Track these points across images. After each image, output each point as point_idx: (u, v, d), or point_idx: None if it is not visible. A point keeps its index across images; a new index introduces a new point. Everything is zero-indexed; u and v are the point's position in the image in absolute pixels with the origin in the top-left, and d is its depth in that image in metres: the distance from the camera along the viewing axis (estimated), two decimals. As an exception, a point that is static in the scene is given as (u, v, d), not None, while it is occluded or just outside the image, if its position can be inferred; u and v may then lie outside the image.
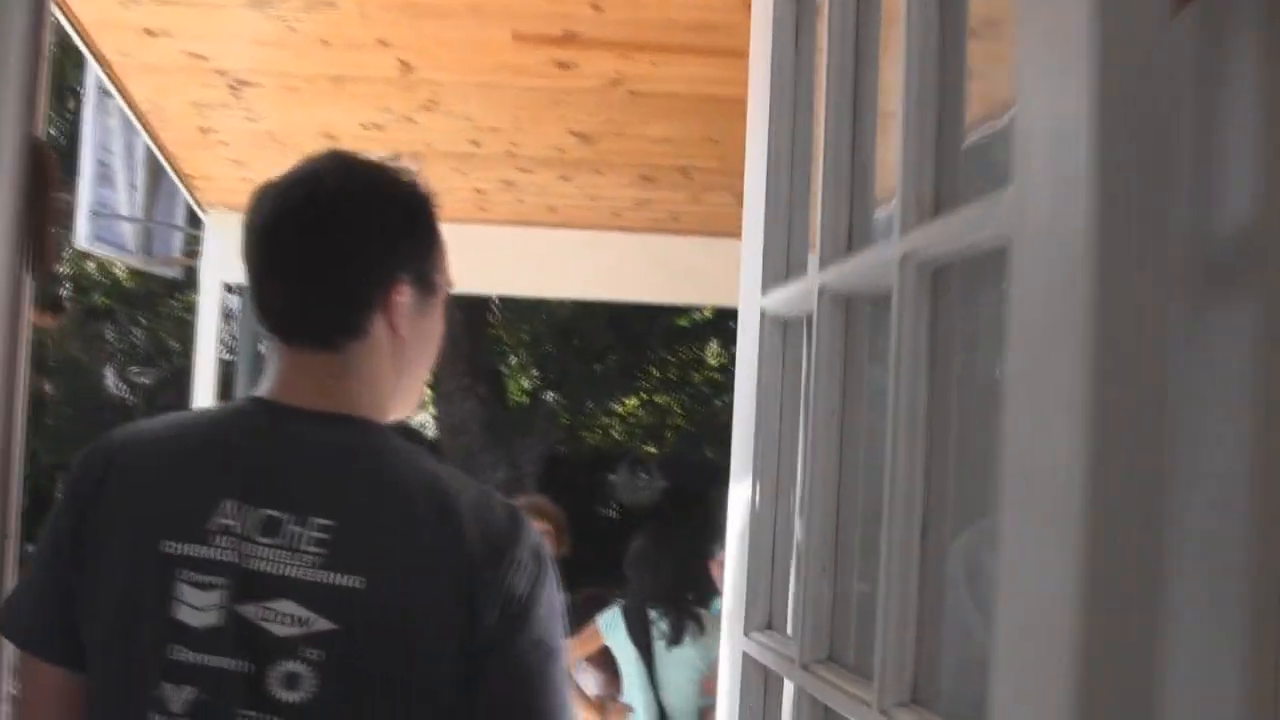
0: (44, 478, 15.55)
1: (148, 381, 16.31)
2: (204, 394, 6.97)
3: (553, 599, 1.71)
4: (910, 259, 1.56)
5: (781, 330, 2.25)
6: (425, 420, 18.39)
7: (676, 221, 6.50)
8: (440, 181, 1.91)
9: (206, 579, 1.67)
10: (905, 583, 1.54)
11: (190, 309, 15.30)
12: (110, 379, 16.27)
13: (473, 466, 14.77)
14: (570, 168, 5.79)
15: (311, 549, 1.65)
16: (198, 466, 1.75)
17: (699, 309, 17.31)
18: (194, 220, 8.05)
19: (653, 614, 5.58)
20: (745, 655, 2.28)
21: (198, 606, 1.66)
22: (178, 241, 9.90)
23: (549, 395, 16.55)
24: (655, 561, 5.69)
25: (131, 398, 15.29)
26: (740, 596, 2.31)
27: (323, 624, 1.63)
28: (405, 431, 2.14)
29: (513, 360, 17.43)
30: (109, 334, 16.52)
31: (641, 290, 7.47)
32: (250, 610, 1.65)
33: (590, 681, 6.05)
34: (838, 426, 1.91)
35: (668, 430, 19.32)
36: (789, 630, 2.17)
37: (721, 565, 3.05)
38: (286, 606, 1.64)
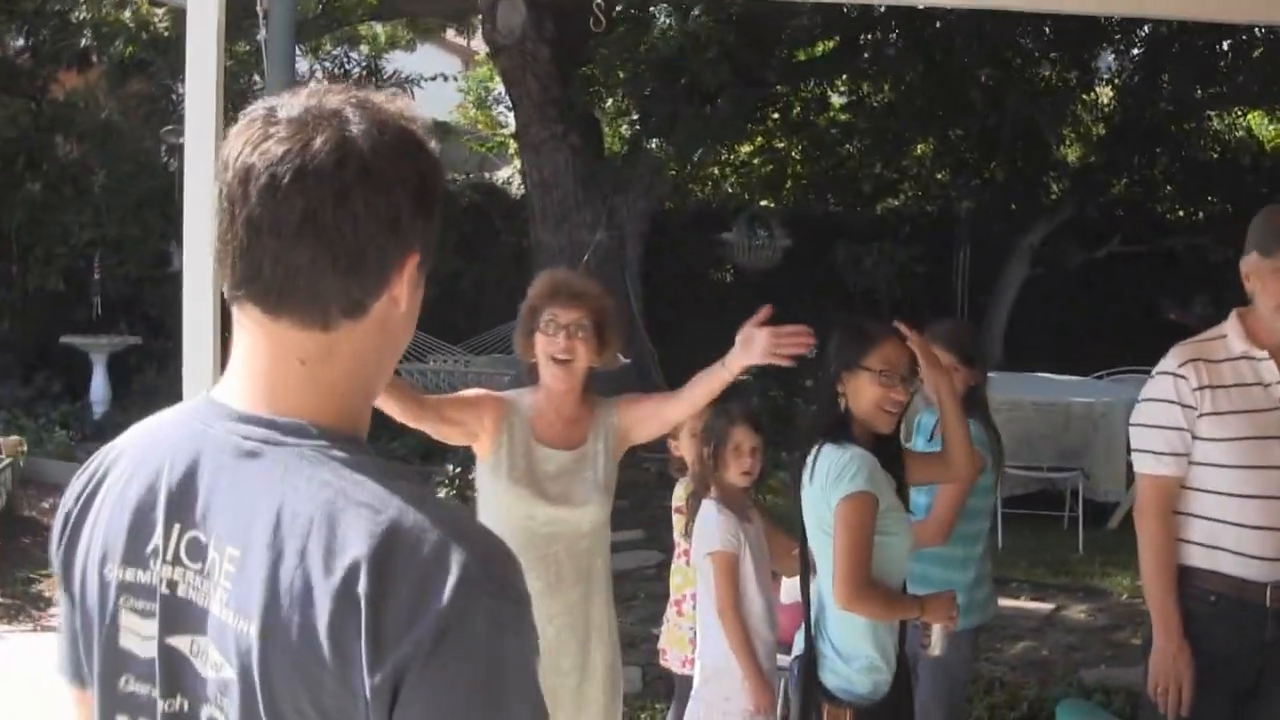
0: (79, 257, 14.05)
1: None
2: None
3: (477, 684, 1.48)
4: None
5: None
6: (511, 175, 16.88)
7: None
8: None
9: (146, 605, 1.66)
10: None
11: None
12: (153, 143, 14.66)
13: (567, 226, 13.43)
14: None
15: (224, 582, 1.58)
16: (144, 482, 1.69)
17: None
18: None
19: None
20: None
21: (143, 635, 1.66)
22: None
23: (652, 143, 14.87)
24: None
25: (174, 162, 13.64)
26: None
27: (228, 671, 1.56)
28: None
29: (609, 103, 16.26)
30: (146, 89, 14.91)
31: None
32: (181, 643, 1.63)
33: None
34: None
35: (788, 180, 18.07)
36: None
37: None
38: (205, 643, 1.60)
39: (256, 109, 1.64)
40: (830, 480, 4.05)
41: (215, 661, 1.57)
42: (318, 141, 1.57)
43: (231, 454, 1.63)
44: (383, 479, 1.58)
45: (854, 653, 4.14)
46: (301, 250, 1.57)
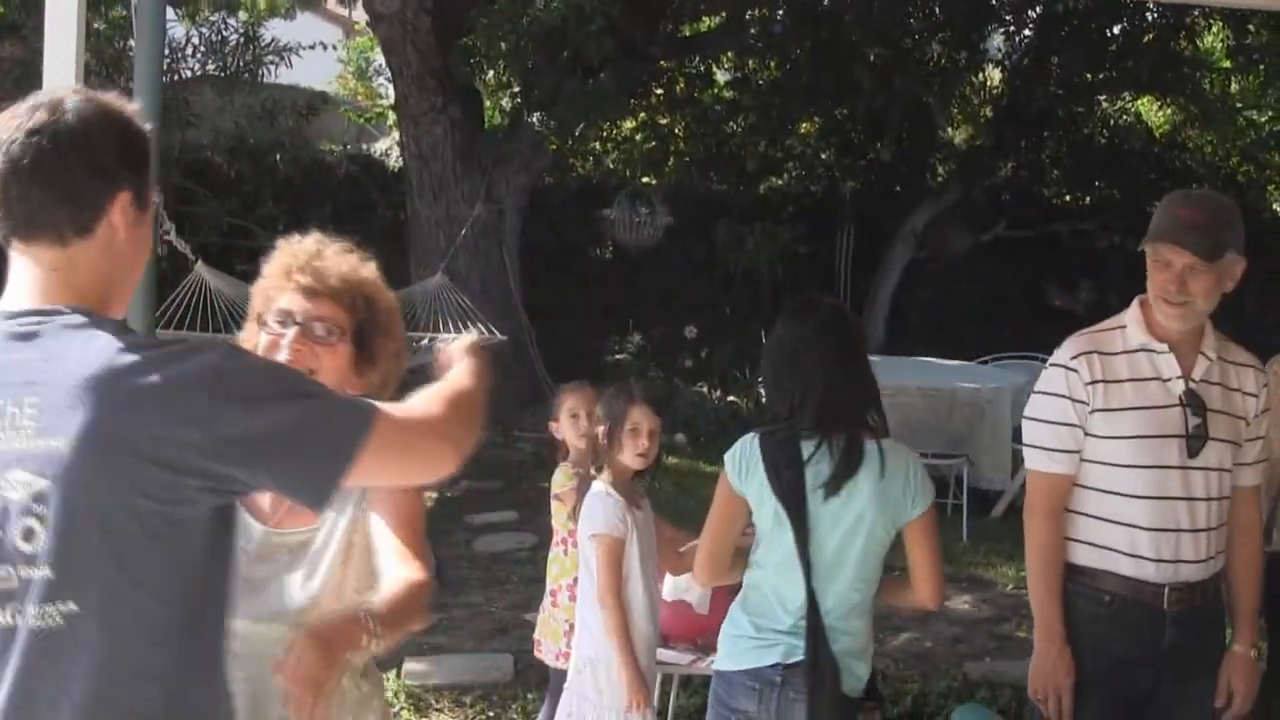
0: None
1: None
2: None
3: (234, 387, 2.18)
4: None
5: None
6: (389, 147, 16.57)
7: None
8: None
9: None
10: None
11: None
12: None
13: (445, 199, 13.33)
14: None
15: (27, 423, 2.15)
16: None
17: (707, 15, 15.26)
18: None
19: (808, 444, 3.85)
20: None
21: None
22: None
23: (533, 117, 14.42)
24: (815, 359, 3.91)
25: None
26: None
27: (41, 483, 2.13)
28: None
29: (490, 75, 15.87)
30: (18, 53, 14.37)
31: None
32: None
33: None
34: None
35: (670, 157, 17.94)
36: None
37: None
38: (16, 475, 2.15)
39: (19, 104, 2.31)
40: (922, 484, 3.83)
41: (24, 480, 2.13)
42: (40, 115, 2.25)
43: (8, 338, 2.23)
44: (125, 332, 2.25)
45: (865, 650, 3.90)
46: (34, 190, 2.23)
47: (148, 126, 2.38)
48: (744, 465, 3.84)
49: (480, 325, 10.29)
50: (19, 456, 2.12)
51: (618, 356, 15.32)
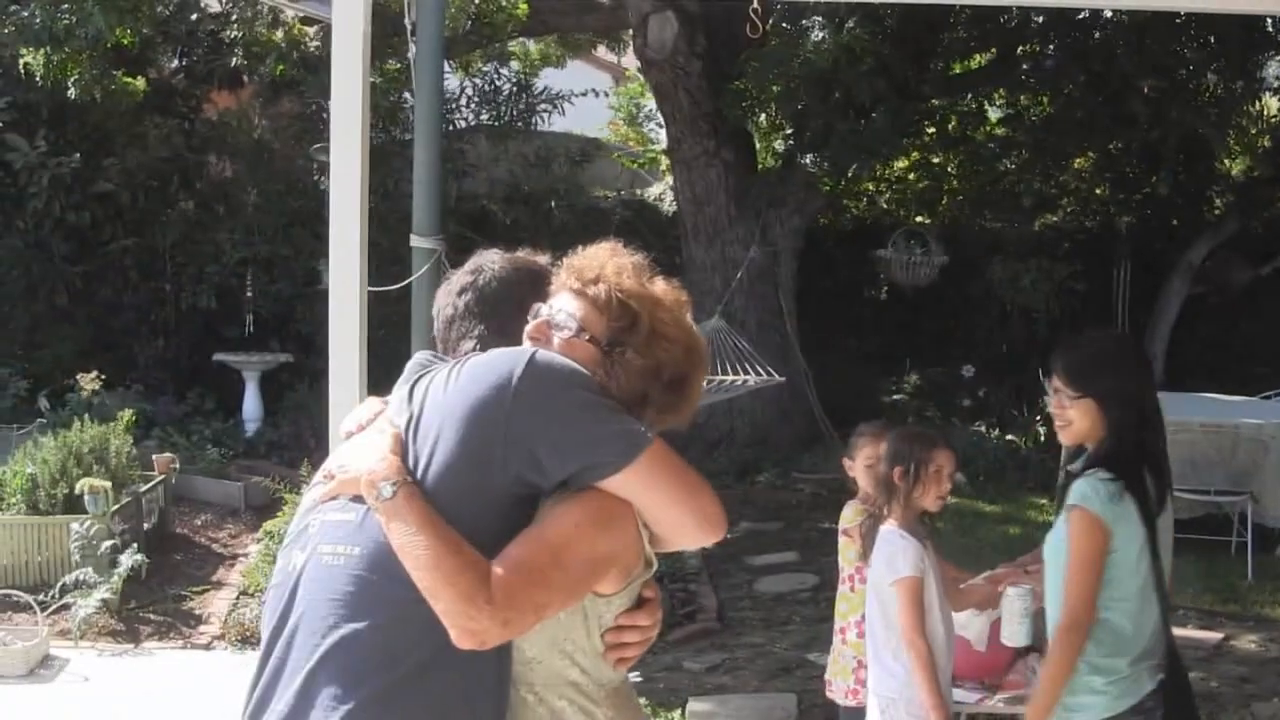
0: (231, 275, 14.17)
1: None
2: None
3: None
4: None
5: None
6: (662, 191, 16.77)
7: None
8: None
9: None
10: None
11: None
12: (304, 161, 14.74)
13: (720, 242, 13.38)
14: None
15: None
16: None
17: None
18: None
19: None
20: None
21: None
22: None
23: (806, 158, 14.49)
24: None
25: (324, 180, 13.68)
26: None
27: None
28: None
29: (762, 118, 15.75)
30: (296, 108, 15.02)
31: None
32: None
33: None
34: None
35: (944, 196, 17.79)
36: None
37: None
38: None
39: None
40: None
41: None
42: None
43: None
44: None
45: None
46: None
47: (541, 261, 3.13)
48: (1112, 503, 4.00)
49: (758, 368, 10.32)
50: None
51: (895, 396, 15.23)
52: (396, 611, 2.53)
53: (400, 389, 2.83)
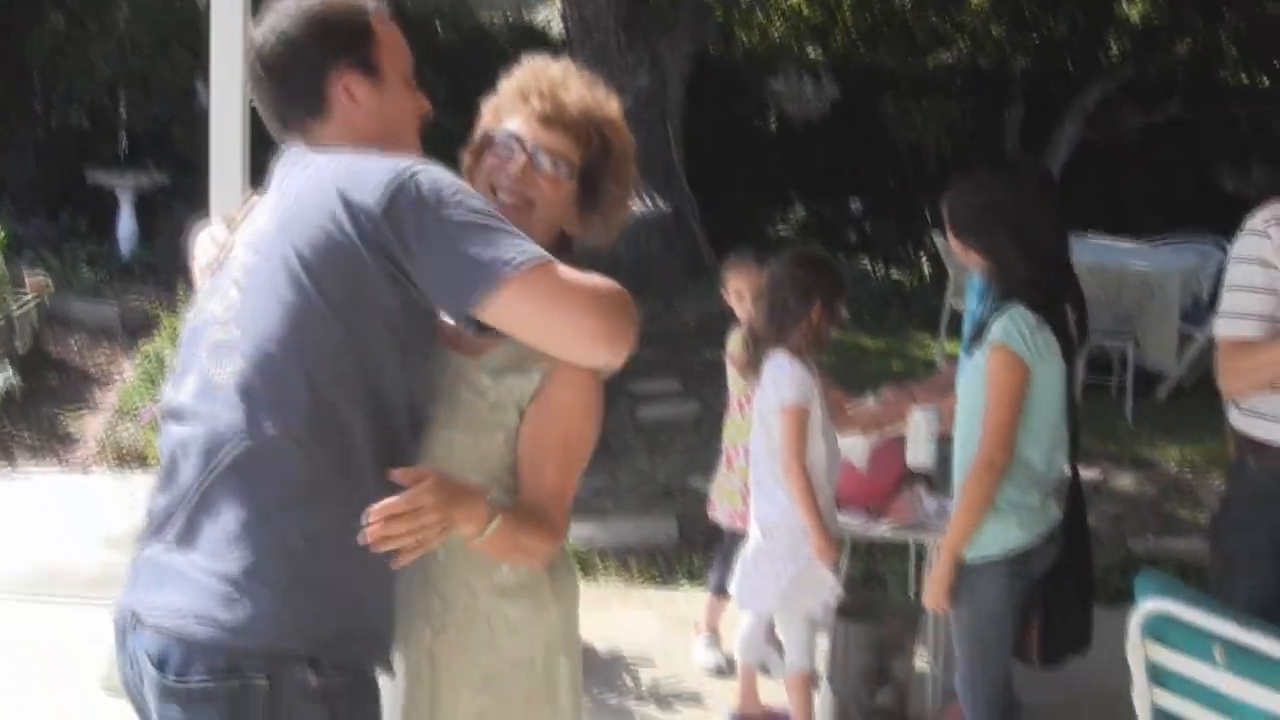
0: (105, 94, 13.76)
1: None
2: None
3: None
4: None
5: None
6: (550, 16, 16.47)
7: None
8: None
9: None
10: None
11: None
12: None
13: (608, 69, 13.06)
14: None
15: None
16: None
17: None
18: None
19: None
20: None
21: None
22: None
23: None
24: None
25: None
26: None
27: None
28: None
29: None
30: None
31: None
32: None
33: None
34: None
35: (837, 31, 17.60)
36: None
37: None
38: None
39: None
40: None
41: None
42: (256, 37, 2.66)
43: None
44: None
45: None
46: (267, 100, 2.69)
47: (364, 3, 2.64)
48: (1033, 340, 3.99)
49: (643, 195, 10.26)
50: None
51: (781, 228, 15.24)
52: (283, 428, 2.39)
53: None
